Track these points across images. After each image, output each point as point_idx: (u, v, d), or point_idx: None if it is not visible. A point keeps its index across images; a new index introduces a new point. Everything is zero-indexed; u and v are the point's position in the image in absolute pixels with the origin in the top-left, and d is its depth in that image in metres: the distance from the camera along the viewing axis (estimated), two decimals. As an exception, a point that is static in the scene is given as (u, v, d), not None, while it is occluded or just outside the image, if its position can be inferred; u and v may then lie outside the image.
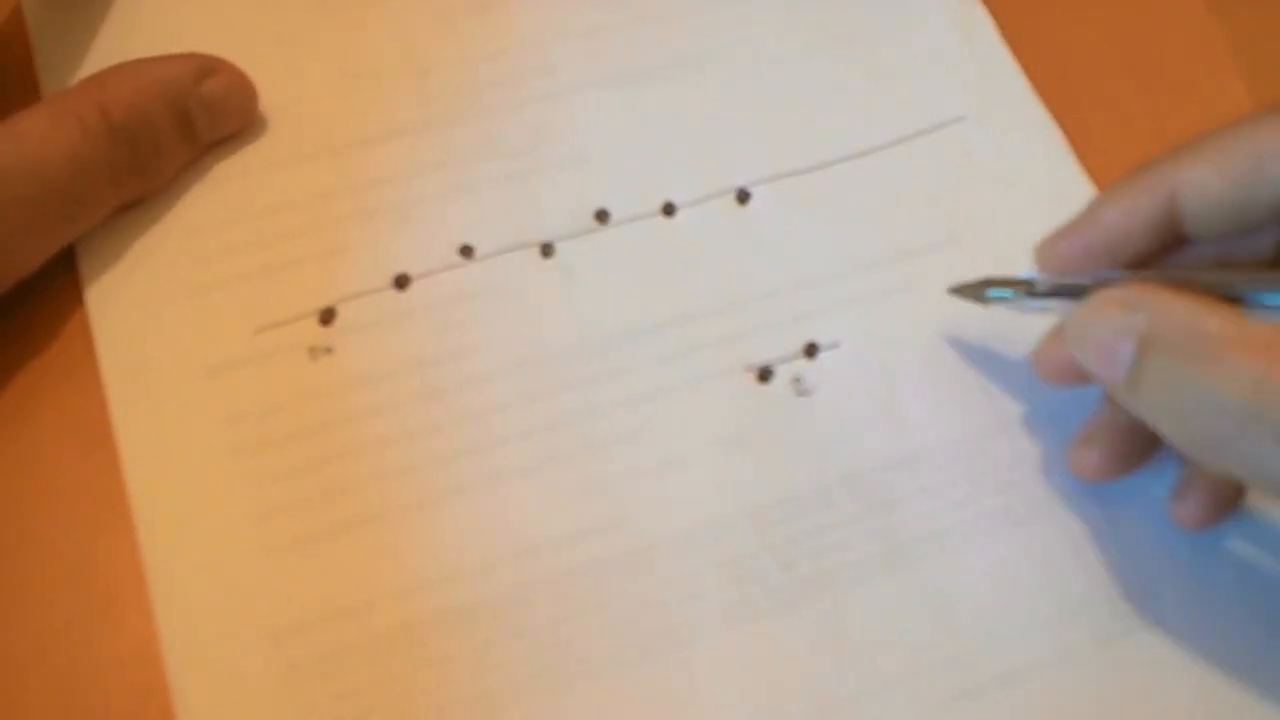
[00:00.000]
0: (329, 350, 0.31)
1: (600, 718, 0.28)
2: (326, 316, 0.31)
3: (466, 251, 0.33)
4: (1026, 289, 0.29)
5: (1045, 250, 0.29)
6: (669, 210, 0.34)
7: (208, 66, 0.32)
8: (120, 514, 0.29)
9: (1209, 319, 0.24)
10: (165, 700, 0.27)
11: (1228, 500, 0.29)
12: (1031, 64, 0.36)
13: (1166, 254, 0.28)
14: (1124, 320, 0.25)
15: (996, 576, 0.30)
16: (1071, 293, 0.28)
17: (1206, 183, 0.26)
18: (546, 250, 0.33)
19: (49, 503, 0.29)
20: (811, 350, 0.32)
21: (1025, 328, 0.30)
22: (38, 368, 0.30)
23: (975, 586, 0.30)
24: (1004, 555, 0.30)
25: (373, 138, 0.34)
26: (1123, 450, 0.29)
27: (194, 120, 0.32)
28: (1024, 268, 0.33)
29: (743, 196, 0.34)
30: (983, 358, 0.32)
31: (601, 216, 0.33)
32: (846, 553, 0.30)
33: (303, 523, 0.29)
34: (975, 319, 0.33)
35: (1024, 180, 0.35)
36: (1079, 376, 0.28)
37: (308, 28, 0.35)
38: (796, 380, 0.32)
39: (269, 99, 0.34)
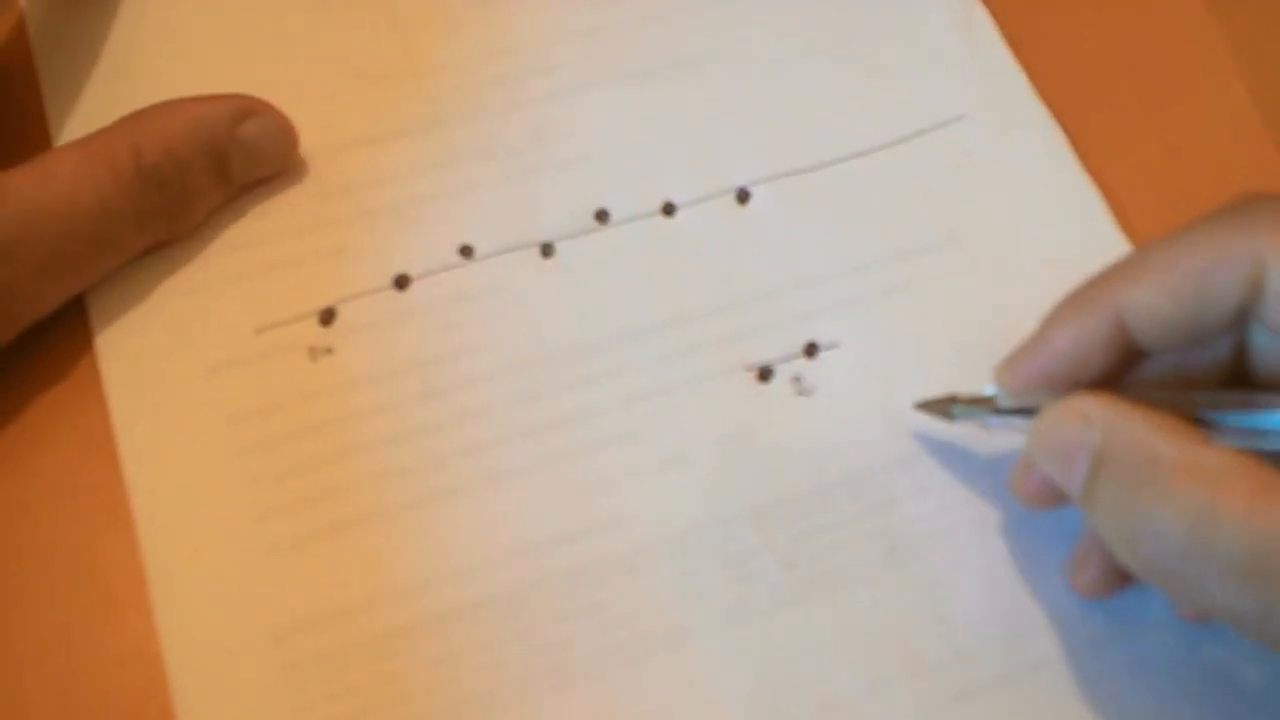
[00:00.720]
0: (329, 350, 0.31)
1: (599, 717, 0.28)
2: (327, 317, 0.31)
3: (466, 251, 0.33)
4: (990, 406, 0.29)
5: (1005, 373, 0.28)
6: (669, 210, 0.34)
7: (247, 108, 0.31)
8: (120, 514, 0.29)
9: (1159, 440, 0.24)
10: (165, 700, 0.27)
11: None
12: (1031, 64, 0.36)
13: (1127, 368, 0.27)
14: (1080, 433, 0.25)
15: (995, 577, 0.30)
16: (1033, 411, 0.27)
17: (1151, 303, 0.26)
18: (546, 250, 0.33)
19: (49, 503, 0.29)
20: (811, 350, 0.32)
21: (1024, 327, 0.30)
22: (38, 369, 0.30)
23: (974, 587, 0.30)
24: (1003, 556, 0.30)
25: (373, 138, 0.34)
26: (1117, 567, 0.28)
27: (229, 162, 0.31)
28: (1024, 270, 0.34)
29: (743, 196, 0.34)
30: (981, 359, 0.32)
31: (601, 216, 0.33)
32: (846, 552, 0.30)
33: (303, 522, 0.29)
34: (975, 320, 0.33)
35: (1024, 179, 0.35)
36: (1055, 498, 0.28)
37: (308, 28, 0.35)
38: (796, 380, 0.32)
39: (270, 98, 0.34)
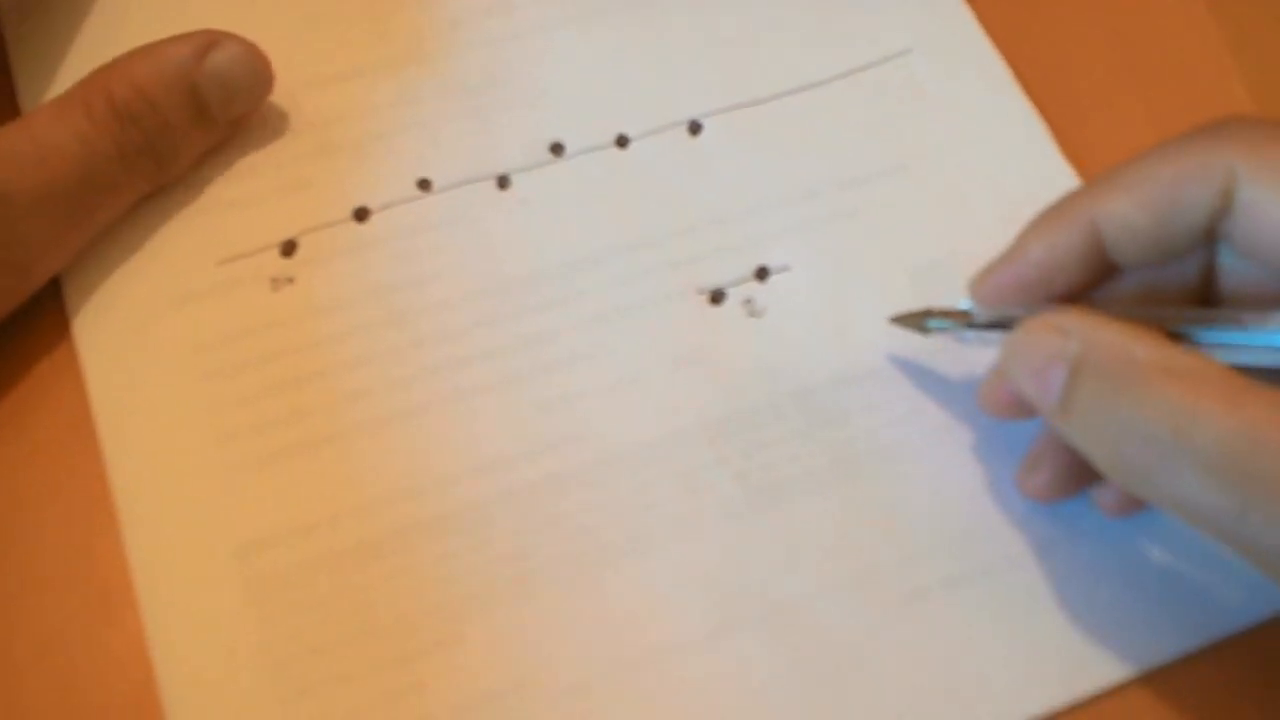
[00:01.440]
0: (290, 280, 0.32)
1: (559, 624, 0.28)
2: (288, 248, 0.32)
3: (424, 185, 0.33)
4: (965, 320, 0.29)
5: (979, 284, 0.29)
6: (622, 142, 0.34)
7: (211, 41, 0.31)
8: (115, 512, 0.29)
9: (1137, 346, 0.24)
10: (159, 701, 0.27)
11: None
12: (1030, 64, 0.36)
13: (1099, 283, 0.28)
14: (1057, 345, 0.26)
15: (943, 485, 0.31)
16: (1008, 325, 0.28)
17: (1125, 214, 0.26)
18: (503, 182, 0.34)
19: (45, 502, 0.29)
20: (763, 273, 0.33)
21: (971, 251, 0.31)
22: (28, 364, 0.31)
23: (923, 495, 0.30)
24: (950, 466, 0.31)
25: (332, 77, 0.35)
26: (1069, 471, 0.29)
27: (205, 98, 0.31)
28: (969, 196, 0.34)
29: (694, 128, 0.35)
30: (929, 281, 0.33)
31: (556, 149, 0.34)
32: (797, 464, 0.31)
33: (267, 442, 0.30)
34: (922, 243, 0.33)
35: (970, 110, 0.36)
36: (1022, 411, 0.29)
37: (267, -28, 0.36)
38: (748, 302, 0.33)
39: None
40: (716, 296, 0.33)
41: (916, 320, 0.31)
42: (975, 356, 0.31)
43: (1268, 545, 0.23)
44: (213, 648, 0.28)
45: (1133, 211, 0.26)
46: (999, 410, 0.29)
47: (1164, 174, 0.26)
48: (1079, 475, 0.29)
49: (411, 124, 0.34)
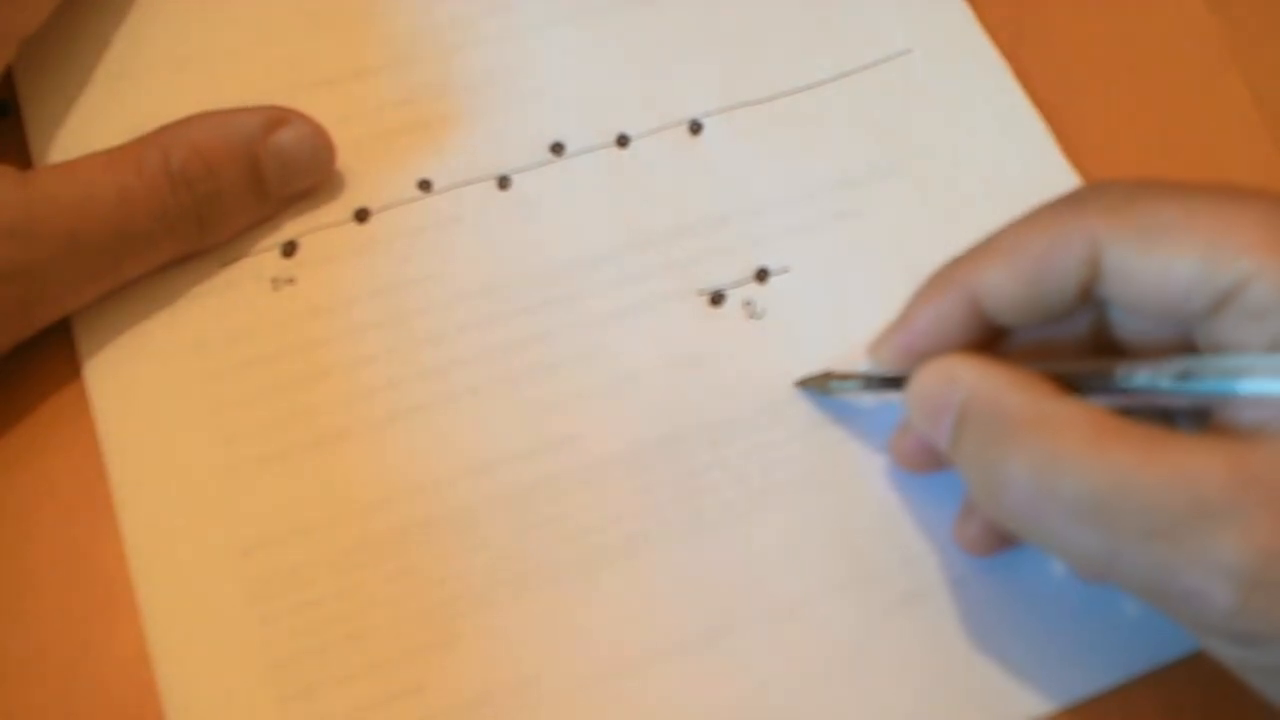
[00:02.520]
0: (291, 281, 0.32)
1: (558, 625, 0.29)
2: (289, 249, 0.32)
3: (425, 185, 0.33)
4: (864, 382, 0.30)
5: (876, 349, 0.29)
6: (623, 142, 0.34)
7: (280, 118, 0.31)
8: (115, 513, 0.29)
9: (1010, 396, 0.25)
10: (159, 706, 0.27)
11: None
12: (1031, 64, 0.36)
13: (990, 342, 0.28)
14: (947, 392, 0.26)
15: (941, 489, 0.30)
16: (901, 384, 0.28)
17: (1000, 283, 0.27)
18: (503, 183, 0.34)
19: (45, 503, 0.29)
20: (763, 275, 0.33)
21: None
22: (29, 368, 0.31)
23: (921, 497, 0.30)
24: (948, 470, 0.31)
25: (332, 77, 0.35)
26: (996, 525, 0.28)
27: (263, 171, 0.31)
28: (970, 196, 0.34)
29: (695, 128, 0.35)
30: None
31: (557, 149, 0.34)
32: (797, 466, 0.31)
33: (267, 443, 0.30)
34: (922, 244, 0.33)
35: (970, 110, 0.36)
36: (930, 462, 0.29)
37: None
38: (748, 304, 0.33)
39: (233, 39, 0.35)
40: (716, 298, 0.33)
41: (820, 382, 0.31)
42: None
43: (1141, 582, 0.24)
44: (213, 648, 0.28)
45: (1006, 281, 0.27)
46: (908, 461, 0.30)
47: (1033, 244, 0.27)
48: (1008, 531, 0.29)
49: (412, 124, 0.34)
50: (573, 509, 0.30)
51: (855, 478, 0.31)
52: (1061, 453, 0.24)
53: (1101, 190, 0.27)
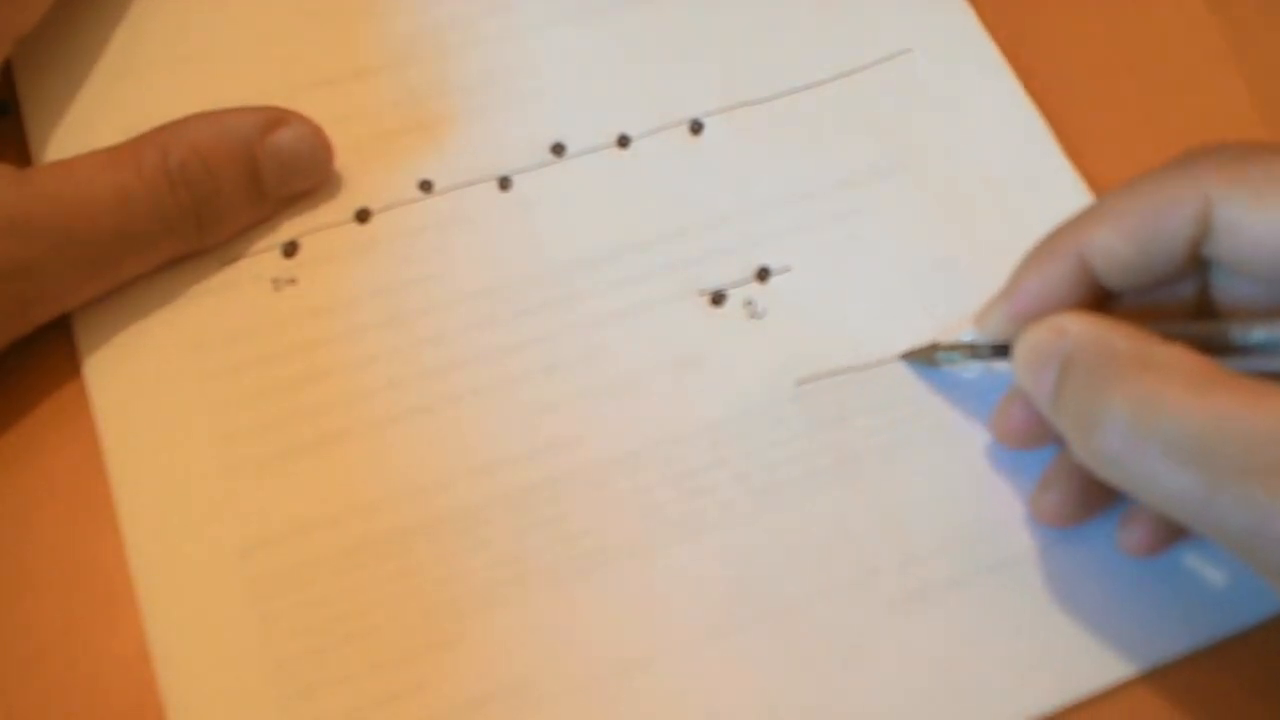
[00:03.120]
0: (292, 281, 0.32)
1: (559, 625, 0.29)
2: (290, 249, 0.32)
3: (425, 186, 0.33)
4: (971, 352, 0.30)
5: (982, 318, 0.30)
6: (623, 142, 0.34)
7: (278, 118, 0.31)
8: (115, 513, 0.29)
9: (1117, 340, 0.26)
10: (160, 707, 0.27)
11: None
12: (1031, 64, 0.36)
13: (1097, 306, 0.29)
14: (1054, 344, 0.27)
15: (944, 485, 0.31)
16: (1009, 353, 0.28)
17: (1109, 245, 0.27)
18: (504, 183, 0.34)
19: (45, 503, 0.29)
20: (764, 274, 0.33)
21: (972, 251, 0.31)
22: (28, 367, 0.31)
23: (924, 495, 0.30)
24: (952, 465, 0.31)
25: (333, 78, 0.35)
26: (1081, 494, 0.29)
27: (261, 172, 0.31)
28: (971, 195, 0.34)
29: (695, 128, 0.35)
30: (930, 281, 0.33)
31: (557, 149, 0.34)
32: (798, 465, 0.31)
33: (268, 443, 0.30)
34: (923, 243, 0.33)
35: (971, 110, 0.36)
36: (1034, 438, 0.29)
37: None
38: (749, 303, 0.33)
39: (233, 39, 0.35)
40: (717, 298, 0.33)
41: (926, 354, 0.31)
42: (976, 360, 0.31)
43: (1235, 527, 0.24)
44: (213, 648, 0.28)
45: (1117, 243, 0.27)
46: (1010, 434, 0.30)
47: (1143, 205, 0.27)
48: (1090, 500, 0.29)
49: (412, 125, 0.34)
50: (573, 509, 0.30)
51: (856, 477, 0.31)
52: (1164, 393, 0.24)
53: (1214, 150, 0.27)
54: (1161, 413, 0.24)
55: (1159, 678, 0.29)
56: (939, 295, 0.33)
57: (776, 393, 0.31)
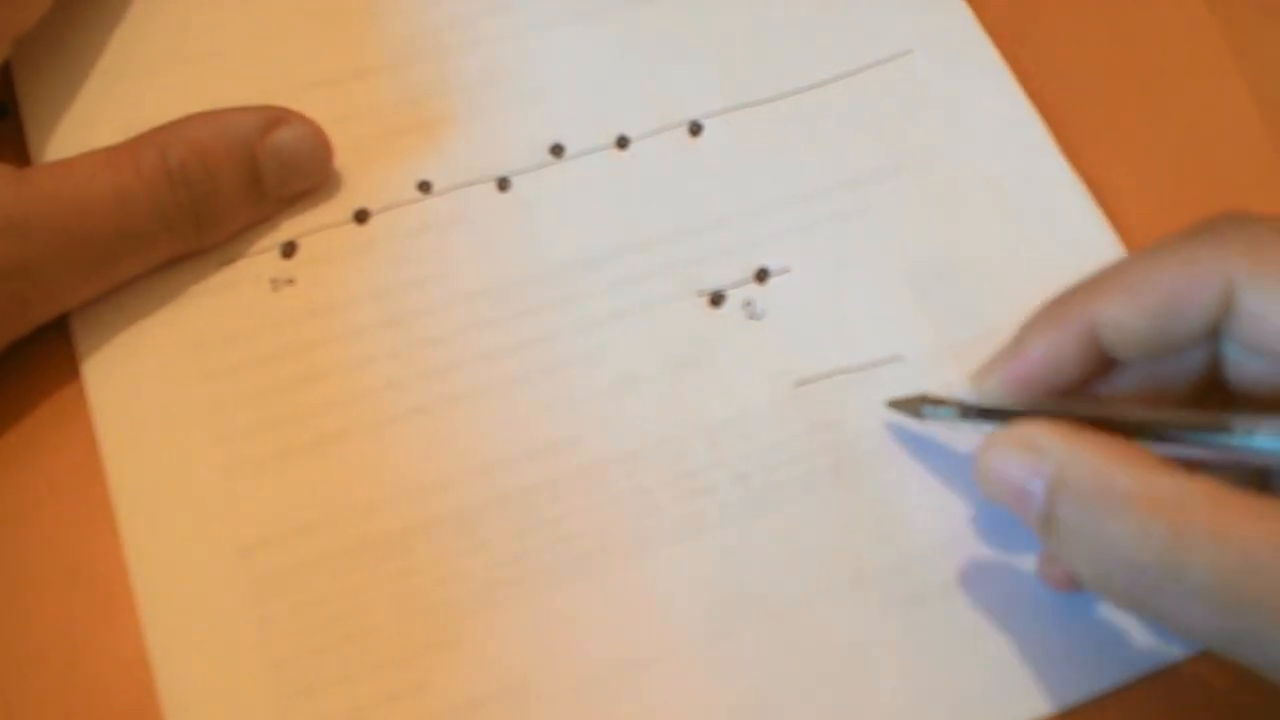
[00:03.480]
0: (291, 281, 0.32)
1: (559, 625, 0.29)
2: (288, 250, 0.32)
3: (424, 187, 0.33)
4: (960, 410, 0.29)
5: (980, 378, 0.29)
6: (622, 143, 0.34)
7: (278, 117, 0.31)
8: (114, 513, 0.29)
9: (1118, 474, 0.24)
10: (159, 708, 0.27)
11: None
12: (1031, 64, 0.36)
13: (1100, 375, 0.28)
14: (1032, 464, 0.25)
15: (941, 488, 0.31)
16: (1001, 417, 0.28)
17: (1124, 320, 0.26)
18: (503, 184, 0.34)
19: (44, 503, 0.29)
20: (763, 275, 0.33)
21: (971, 252, 0.31)
22: (27, 367, 0.31)
23: (921, 498, 0.30)
24: (948, 468, 0.31)
25: (332, 78, 0.35)
26: None
27: (261, 171, 0.31)
28: (970, 197, 0.34)
29: (695, 129, 0.35)
30: (930, 282, 0.33)
31: (556, 151, 0.34)
32: (796, 467, 0.31)
33: (267, 444, 0.30)
34: (922, 245, 0.33)
35: (971, 111, 0.36)
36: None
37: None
38: (748, 304, 0.33)
39: (233, 39, 0.34)
40: (716, 299, 0.33)
41: (913, 406, 0.30)
42: (977, 363, 0.31)
43: (1265, 662, 0.23)
44: (212, 648, 0.28)
45: (1131, 317, 0.26)
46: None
47: (1162, 280, 0.26)
48: None
49: (412, 125, 0.34)
50: (572, 510, 0.30)
51: (855, 478, 0.31)
52: (1188, 537, 0.23)
53: (1240, 224, 0.26)
54: (1187, 559, 0.23)
55: (1160, 678, 0.29)
56: (938, 296, 0.33)
57: (775, 393, 0.31)
